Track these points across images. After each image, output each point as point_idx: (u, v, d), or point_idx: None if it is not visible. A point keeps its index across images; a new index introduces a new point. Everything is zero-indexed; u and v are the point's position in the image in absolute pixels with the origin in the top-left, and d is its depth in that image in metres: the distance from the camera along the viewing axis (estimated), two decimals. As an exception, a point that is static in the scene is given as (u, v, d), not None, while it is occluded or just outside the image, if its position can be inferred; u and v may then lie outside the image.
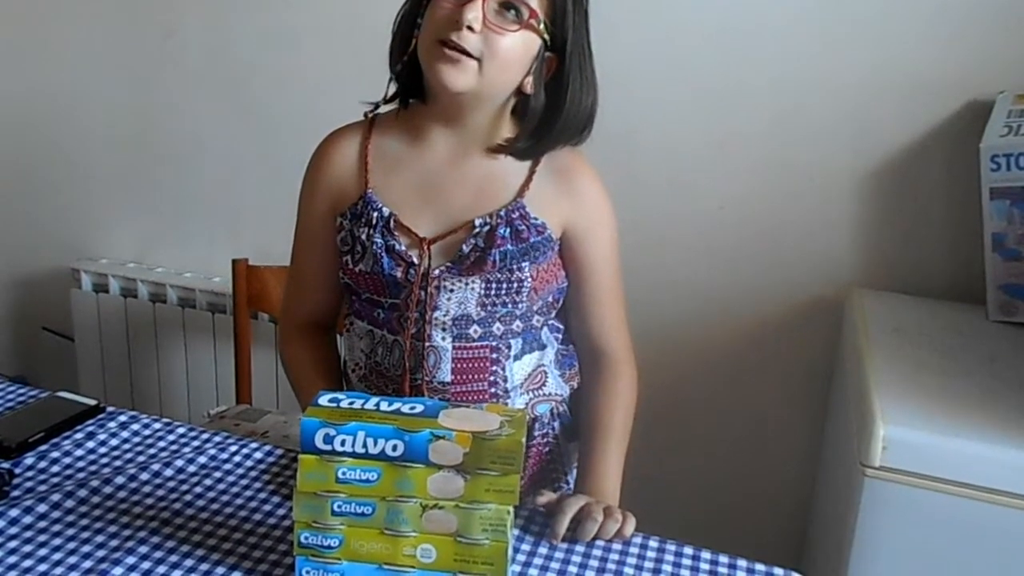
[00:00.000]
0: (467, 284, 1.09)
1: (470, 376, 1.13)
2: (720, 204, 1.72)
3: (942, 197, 1.58)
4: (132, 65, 2.10)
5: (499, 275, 1.08)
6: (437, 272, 1.09)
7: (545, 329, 1.19)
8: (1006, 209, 1.41)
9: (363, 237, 1.11)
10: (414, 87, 1.12)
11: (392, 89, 1.13)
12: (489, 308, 1.11)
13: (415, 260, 1.09)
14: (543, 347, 1.18)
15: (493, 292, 1.10)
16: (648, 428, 1.87)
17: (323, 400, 0.85)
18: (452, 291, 1.09)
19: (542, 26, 1.04)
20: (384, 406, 0.84)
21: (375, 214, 1.10)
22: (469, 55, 1.00)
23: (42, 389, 1.24)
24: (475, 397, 1.13)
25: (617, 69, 1.69)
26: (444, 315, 1.10)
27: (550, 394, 1.20)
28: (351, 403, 0.84)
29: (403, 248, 1.09)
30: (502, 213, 1.09)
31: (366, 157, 1.14)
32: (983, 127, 1.44)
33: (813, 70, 1.60)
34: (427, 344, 1.11)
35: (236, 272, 1.69)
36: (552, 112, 1.09)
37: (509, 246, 1.08)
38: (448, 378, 1.12)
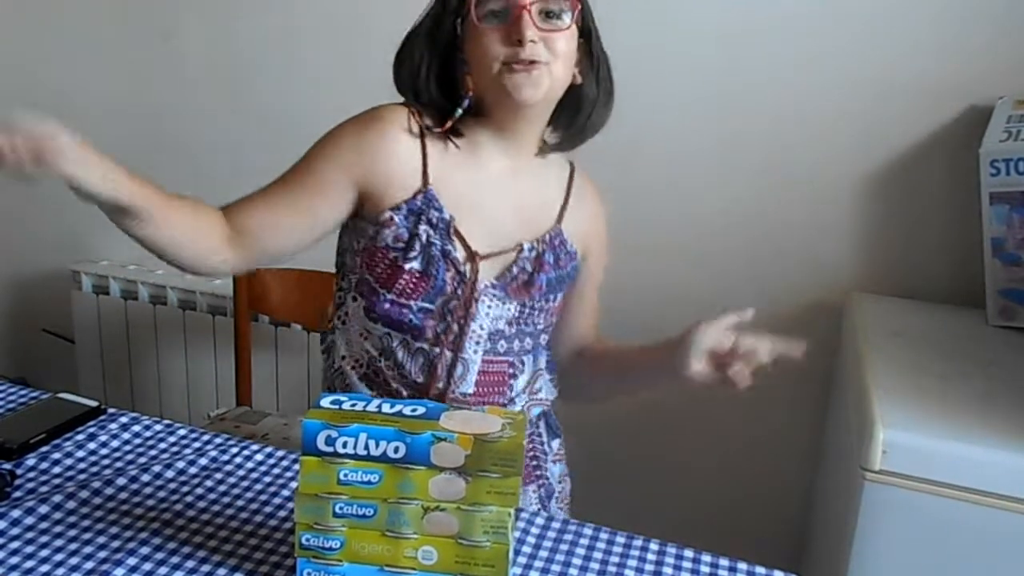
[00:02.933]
0: (505, 304, 1.11)
1: (490, 389, 1.14)
2: (720, 208, 1.72)
3: (942, 202, 1.58)
4: (132, 65, 2.10)
5: (537, 302, 1.13)
6: (483, 287, 1.10)
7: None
8: (1006, 214, 1.42)
9: (422, 235, 1.08)
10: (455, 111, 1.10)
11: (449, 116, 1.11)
12: (517, 327, 1.13)
13: (466, 272, 1.10)
14: (540, 355, 1.21)
15: (526, 314, 1.13)
16: (649, 432, 1.88)
17: (325, 402, 0.85)
18: (490, 307, 1.11)
19: (579, 16, 1.07)
20: (386, 408, 0.84)
21: (435, 214, 1.08)
22: (538, 63, 1.03)
23: (43, 391, 1.24)
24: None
25: (618, 72, 1.70)
26: (480, 329, 1.11)
27: (543, 399, 1.22)
28: (353, 405, 0.85)
29: (458, 256, 1.09)
30: (547, 238, 1.14)
31: (425, 150, 1.10)
32: (983, 132, 1.45)
33: (813, 75, 1.61)
34: (459, 355, 1.11)
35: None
36: (596, 90, 1.13)
37: (552, 273, 1.13)
38: (471, 390, 1.12)
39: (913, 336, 1.42)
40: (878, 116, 1.59)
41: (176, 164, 2.11)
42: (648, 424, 1.87)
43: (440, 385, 1.12)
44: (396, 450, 0.80)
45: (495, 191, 1.12)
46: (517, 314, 1.12)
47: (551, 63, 1.04)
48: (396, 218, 1.08)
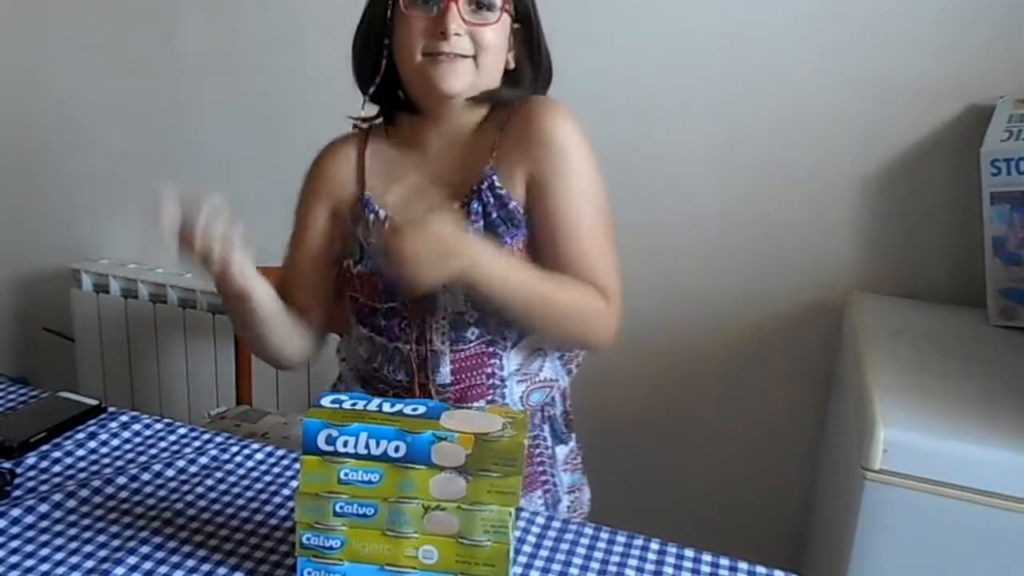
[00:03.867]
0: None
1: (470, 374, 1.13)
2: (720, 208, 1.72)
3: (943, 201, 1.58)
4: (132, 65, 2.10)
5: None
6: None
7: None
8: (1006, 213, 1.42)
9: (362, 239, 1.12)
10: (394, 102, 1.14)
11: (368, 109, 1.15)
12: (476, 303, 1.09)
13: None
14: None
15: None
16: (649, 431, 1.88)
17: (325, 401, 0.85)
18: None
19: (511, 4, 1.07)
20: (386, 407, 0.84)
21: (371, 216, 1.12)
22: (462, 56, 1.03)
23: (43, 389, 1.24)
24: (473, 392, 1.13)
25: (617, 72, 1.71)
26: (441, 317, 1.11)
27: (546, 379, 1.17)
28: (353, 404, 0.85)
29: None
30: (473, 187, 1.09)
31: (363, 162, 1.16)
32: (984, 132, 1.45)
33: (814, 74, 1.61)
34: (429, 348, 1.11)
35: (237, 273, 1.69)
36: (532, 75, 1.13)
37: (481, 222, 1.07)
38: (448, 380, 1.13)
39: (914, 336, 1.42)
40: (878, 116, 1.59)
41: (176, 164, 2.12)
42: (648, 424, 1.87)
43: (419, 380, 1.13)
44: (396, 449, 0.80)
45: (440, 173, 1.12)
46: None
47: (478, 55, 1.04)
48: (346, 229, 1.14)
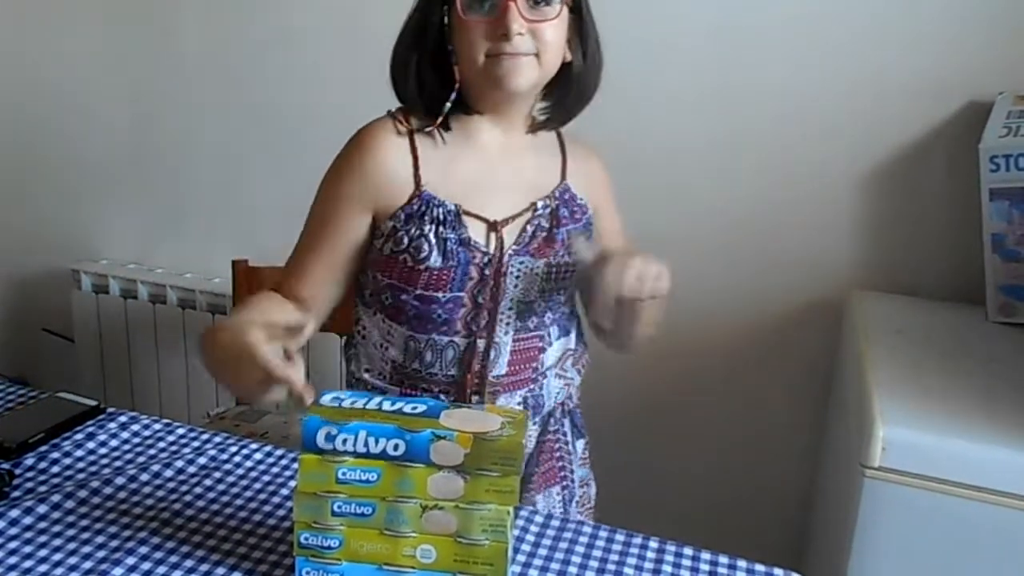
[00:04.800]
0: (532, 268, 1.10)
1: (522, 366, 1.13)
2: (720, 208, 1.72)
3: (942, 198, 1.58)
4: (132, 65, 2.10)
5: (561, 257, 1.11)
6: (508, 255, 1.09)
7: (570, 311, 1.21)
8: (1006, 210, 1.42)
9: (430, 235, 1.07)
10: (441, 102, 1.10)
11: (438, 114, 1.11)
12: (547, 295, 1.12)
13: (491, 247, 1.09)
14: (568, 332, 1.20)
15: (554, 275, 1.11)
16: (649, 430, 1.88)
17: (325, 399, 0.85)
18: (518, 277, 1.10)
19: None
20: (386, 406, 0.84)
21: (438, 210, 1.07)
22: (525, 54, 1.03)
23: (42, 390, 1.24)
24: (519, 384, 1.14)
25: (617, 70, 1.70)
26: (510, 307, 1.11)
27: (569, 378, 1.22)
28: (353, 402, 0.85)
29: (478, 238, 1.08)
30: (557, 194, 1.14)
31: (415, 154, 1.10)
32: (982, 128, 1.45)
33: (813, 72, 1.61)
34: (491, 339, 1.10)
35: (236, 273, 1.69)
36: (583, 67, 1.12)
37: (571, 226, 1.13)
38: (503, 371, 1.12)
39: (913, 333, 1.42)
40: (877, 114, 1.58)
41: (176, 165, 2.12)
42: (647, 423, 1.87)
43: (474, 373, 1.11)
44: (395, 447, 0.80)
45: (496, 168, 1.13)
46: (545, 277, 1.11)
47: (540, 53, 1.03)
48: (397, 226, 1.08)
